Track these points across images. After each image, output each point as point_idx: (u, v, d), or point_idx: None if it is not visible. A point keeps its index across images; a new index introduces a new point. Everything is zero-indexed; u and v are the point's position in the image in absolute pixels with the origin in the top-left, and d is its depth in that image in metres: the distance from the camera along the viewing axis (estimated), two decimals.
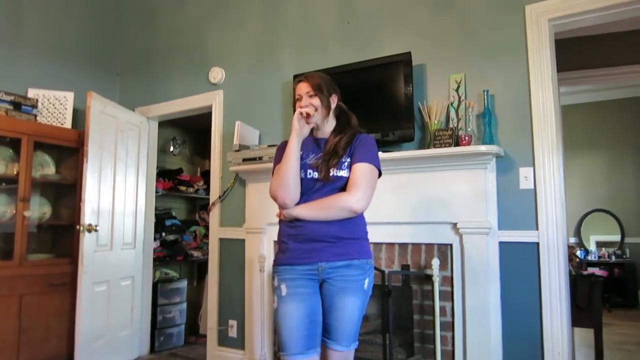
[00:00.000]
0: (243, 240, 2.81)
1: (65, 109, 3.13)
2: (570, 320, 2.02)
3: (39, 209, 2.98)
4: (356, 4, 2.64)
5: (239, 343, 2.81)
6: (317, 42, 2.75)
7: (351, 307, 1.45)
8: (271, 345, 2.64)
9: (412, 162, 2.20)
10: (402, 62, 2.28)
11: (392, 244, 2.30)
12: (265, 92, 2.91)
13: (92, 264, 2.75)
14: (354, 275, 1.46)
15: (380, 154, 1.56)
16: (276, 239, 2.48)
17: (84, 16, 3.47)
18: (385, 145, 2.28)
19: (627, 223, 5.22)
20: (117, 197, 3.02)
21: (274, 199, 1.50)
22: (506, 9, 2.18)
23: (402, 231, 2.26)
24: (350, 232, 1.49)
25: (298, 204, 1.49)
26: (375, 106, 2.36)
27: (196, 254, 3.96)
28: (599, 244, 5.39)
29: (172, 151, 4.30)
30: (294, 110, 1.53)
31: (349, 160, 1.49)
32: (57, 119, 3.09)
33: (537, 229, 2.02)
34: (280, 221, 1.56)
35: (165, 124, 3.75)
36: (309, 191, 1.50)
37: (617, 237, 5.27)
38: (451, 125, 2.20)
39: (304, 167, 1.50)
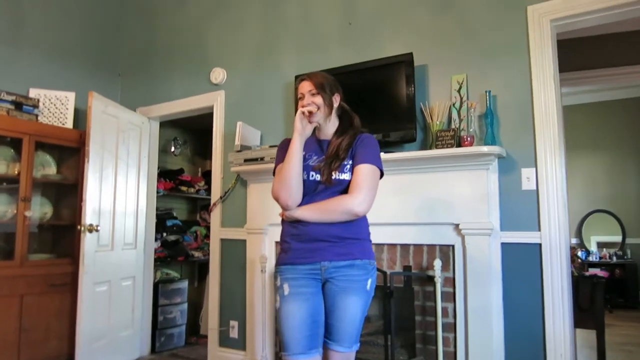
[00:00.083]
0: (244, 241, 2.81)
1: (67, 109, 3.12)
2: (572, 322, 2.01)
3: (40, 209, 2.98)
4: (358, 4, 2.63)
5: (240, 344, 2.80)
6: (318, 43, 2.74)
7: (353, 307, 1.44)
8: (272, 346, 2.64)
9: (414, 162, 2.19)
10: (404, 63, 2.28)
11: (394, 245, 2.30)
12: (267, 93, 2.90)
13: (93, 264, 2.75)
14: (357, 275, 1.46)
15: (382, 155, 1.56)
16: (277, 239, 2.46)
17: (85, 16, 3.47)
18: (387, 145, 2.27)
19: (628, 224, 5.21)
20: (118, 197, 3.02)
21: (277, 200, 1.50)
22: (508, 9, 2.18)
23: (404, 232, 2.25)
24: (353, 232, 1.48)
25: (300, 205, 1.48)
26: (377, 107, 2.35)
27: (197, 254, 3.96)
28: (600, 245, 5.38)
29: (173, 151, 4.30)
30: (297, 109, 1.52)
31: (351, 162, 1.48)
32: (58, 119, 3.09)
33: (539, 230, 2.02)
34: (283, 221, 1.56)
35: (166, 124, 3.75)
36: (311, 193, 1.49)
37: (618, 238, 5.26)
38: (453, 126, 2.19)
39: (306, 168, 1.50)
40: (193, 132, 4.53)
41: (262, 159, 2.59)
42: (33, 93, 3.01)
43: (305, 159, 1.51)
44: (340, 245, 1.46)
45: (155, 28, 3.53)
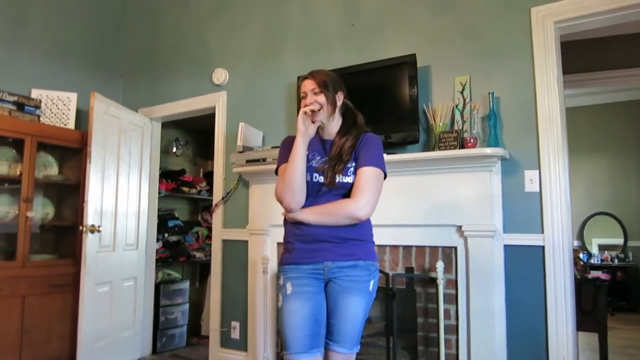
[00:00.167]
0: (246, 242, 2.80)
1: (69, 109, 3.13)
2: (575, 325, 2.00)
3: (41, 210, 2.98)
4: (360, 5, 2.63)
5: (242, 345, 2.80)
6: (320, 44, 2.74)
7: (355, 308, 1.44)
8: (274, 347, 2.63)
9: (416, 164, 2.19)
10: (407, 64, 2.28)
11: (396, 247, 2.29)
12: (269, 94, 2.90)
13: (94, 264, 2.74)
14: (360, 276, 1.46)
15: (385, 156, 1.55)
16: (279, 240, 2.46)
17: (87, 17, 3.48)
18: (390, 147, 2.27)
19: (630, 226, 5.20)
20: (120, 198, 3.02)
21: (280, 202, 1.49)
22: (511, 10, 2.17)
23: (407, 234, 2.25)
24: (356, 234, 1.48)
25: (304, 206, 1.48)
26: (379, 108, 2.35)
27: (199, 255, 3.95)
28: (602, 247, 5.37)
29: (175, 152, 4.30)
30: (299, 109, 1.51)
31: (354, 164, 1.48)
32: (60, 120, 3.09)
33: (542, 232, 2.01)
34: (286, 221, 1.56)
35: (168, 124, 3.75)
36: (314, 194, 1.49)
37: (620, 241, 5.25)
38: (456, 128, 2.19)
39: (309, 170, 1.49)
40: (195, 132, 4.53)
41: (264, 160, 2.59)
42: (35, 94, 3.02)
43: (308, 160, 1.50)
44: (344, 246, 1.46)
45: (157, 28, 3.53)
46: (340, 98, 1.54)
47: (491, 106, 2.11)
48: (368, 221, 1.53)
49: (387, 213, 2.17)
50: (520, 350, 2.01)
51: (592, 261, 5.23)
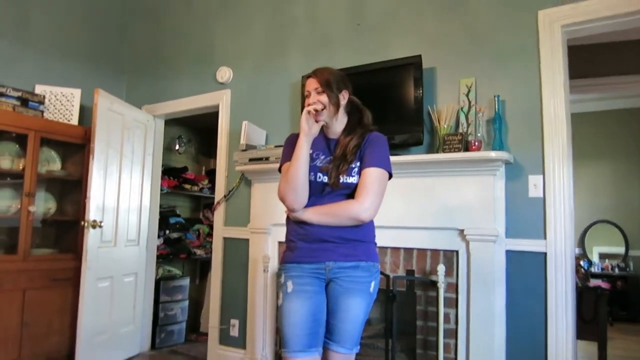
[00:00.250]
0: (247, 240, 2.80)
1: (72, 105, 3.13)
2: (575, 333, 1.99)
3: (44, 205, 2.99)
4: (366, 5, 2.62)
5: (241, 342, 2.80)
6: (325, 43, 2.74)
7: (356, 309, 1.43)
8: (272, 345, 2.63)
9: (420, 166, 2.18)
10: (413, 65, 2.27)
11: (397, 249, 2.29)
12: (273, 93, 2.90)
13: (95, 259, 2.75)
14: (361, 276, 1.45)
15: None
16: (281, 239, 2.45)
17: (91, 14, 3.48)
18: (393, 148, 2.25)
19: (632, 236, 5.14)
20: (122, 194, 3.02)
21: (283, 202, 1.49)
22: (518, 14, 2.16)
23: (408, 236, 2.24)
24: (358, 235, 1.48)
25: (307, 205, 1.47)
26: (384, 109, 2.33)
27: (199, 252, 3.96)
28: (602, 256, 5.32)
29: (178, 149, 4.30)
30: (303, 108, 1.49)
31: (358, 164, 1.46)
32: (63, 116, 3.09)
33: (545, 238, 2.00)
34: (288, 220, 1.55)
35: (171, 122, 3.75)
36: (317, 194, 1.48)
37: (621, 250, 5.20)
38: (461, 130, 2.18)
39: (313, 169, 1.48)
40: (197, 130, 4.53)
41: (267, 158, 2.59)
42: (39, 89, 3.02)
43: (312, 159, 1.49)
44: (346, 247, 1.46)
45: (161, 26, 3.53)
46: (344, 97, 1.52)
47: (496, 109, 2.10)
48: (371, 222, 1.53)
49: (389, 215, 2.15)
50: (519, 357, 2.00)
51: (592, 269, 5.20)
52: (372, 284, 1.48)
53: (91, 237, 2.71)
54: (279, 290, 1.50)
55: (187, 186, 4.14)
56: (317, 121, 1.47)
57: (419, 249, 2.24)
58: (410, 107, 2.26)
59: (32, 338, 2.67)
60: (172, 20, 3.49)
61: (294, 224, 1.52)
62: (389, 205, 2.00)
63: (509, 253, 2.05)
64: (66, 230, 3.06)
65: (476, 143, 2.07)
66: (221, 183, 3.03)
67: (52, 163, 3.06)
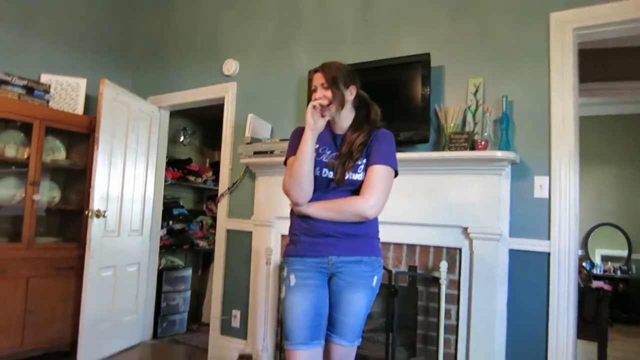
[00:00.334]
0: (250, 233, 2.81)
1: (78, 95, 3.13)
2: (576, 333, 2.00)
3: (48, 193, 3.00)
4: (375, 1, 2.60)
5: (242, 333, 2.82)
6: (333, 38, 2.72)
7: (358, 303, 1.45)
8: (273, 337, 2.65)
9: (426, 163, 2.18)
10: (421, 63, 2.25)
11: (400, 245, 2.29)
12: (279, 86, 2.89)
13: (99, 249, 2.76)
14: (364, 271, 1.46)
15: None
16: (284, 232, 2.46)
17: (98, 3, 3.47)
18: (399, 145, 2.23)
19: (635, 239, 5.13)
20: (127, 184, 3.03)
21: (287, 196, 1.49)
22: (530, 15, 2.14)
23: (412, 232, 2.24)
24: (362, 230, 1.48)
25: (311, 200, 1.47)
26: (391, 105, 2.31)
27: (202, 243, 3.97)
28: (605, 258, 5.32)
29: (182, 141, 4.31)
30: (309, 102, 1.49)
31: (365, 161, 1.46)
32: (69, 105, 3.09)
33: (549, 239, 2.00)
34: (292, 213, 1.55)
35: (176, 113, 3.75)
36: (322, 189, 1.48)
37: (623, 253, 5.20)
38: (467, 129, 2.17)
39: (319, 164, 1.48)
40: (202, 122, 4.53)
41: (272, 152, 2.59)
42: (44, 79, 3.01)
43: (318, 154, 1.49)
44: (349, 241, 1.46)
45: (168, 17, 3.52)
46: (352, 92, 1.51)
47: (504, 109, 2.09)
48: (375, 218, 1.53)
49: (393, 211, 2.15)
50: (520, 354, 2.01)
51: (594, 271, 5.21)
52: (375, 278, 1.49)
53: (95, 227, 2.73)
54: (282, 283, 1.51)
55: (191, 178, 4.15)
56: (322, 116, 1.46)
57: (422, 246, 2.24)
58: (417, 105, 2.25)
59: (35, 325, 2.70)
60: (179, 11, 3.47)
61: (298, 218, 1.52)
62: (393, 202, 1.99)
63: (512, 252, 2.06)
64: (70, 220, 3.08)
65: (482, 142, 2.07)
66: (225, 175, 3.03)
67: (57, 152, 3.07)
